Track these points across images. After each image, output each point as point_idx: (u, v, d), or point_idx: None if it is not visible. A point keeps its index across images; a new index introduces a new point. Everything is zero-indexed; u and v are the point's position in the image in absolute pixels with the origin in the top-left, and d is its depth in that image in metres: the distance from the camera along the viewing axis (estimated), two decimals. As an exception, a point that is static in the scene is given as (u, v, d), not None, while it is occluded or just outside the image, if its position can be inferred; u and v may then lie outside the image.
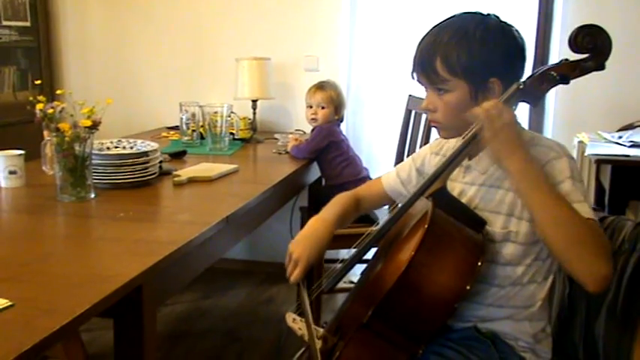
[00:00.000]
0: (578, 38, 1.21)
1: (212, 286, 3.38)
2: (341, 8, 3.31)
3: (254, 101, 3.20)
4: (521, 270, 1.32)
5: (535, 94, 1.24)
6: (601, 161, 2.40)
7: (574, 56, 1.26)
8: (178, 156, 2.62)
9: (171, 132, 3.23)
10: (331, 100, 2.78)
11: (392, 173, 1.61)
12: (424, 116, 2.72)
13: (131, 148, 2.18)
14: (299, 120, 3.35)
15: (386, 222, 1.38)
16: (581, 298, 1.53)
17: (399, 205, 1.55)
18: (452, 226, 1.25)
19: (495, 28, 1.28)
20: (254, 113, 3.22)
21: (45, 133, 2.00)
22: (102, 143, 2.17)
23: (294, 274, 1.41)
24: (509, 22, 1.32)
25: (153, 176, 2.13)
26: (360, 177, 2.71)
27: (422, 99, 1.37)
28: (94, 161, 1.97)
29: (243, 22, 3.44)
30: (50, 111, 1.82)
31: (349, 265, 1.42)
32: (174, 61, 3.59)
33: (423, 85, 1.34)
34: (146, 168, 2.11)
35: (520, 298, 1.33)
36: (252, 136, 3.14)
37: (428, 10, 3.19)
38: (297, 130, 3.30)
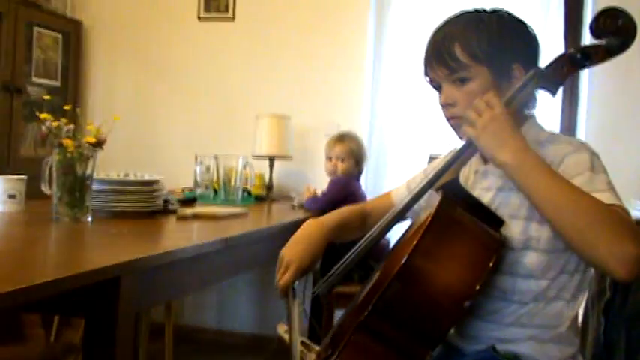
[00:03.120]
0: (599, 22, 1.13)
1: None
2: (364, 78, 3.30)
3: (271, 160, 3.14)
4: (545, 283, 1.16)
5: (554, 79, 1.15)
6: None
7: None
8: (187, 203, 2.53)
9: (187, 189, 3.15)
10: (351, 153, 2.71)
11: (402, 187, 1.50)
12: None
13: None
14: (317, 185, 3.26)
15: (388, 221, 1.25)
16: (619, 333, 1.34)
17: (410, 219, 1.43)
18: (463, 216, 1.11)
19: (509, 18, 1.23)
20: (270, 172, 3.14)
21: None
22: (108, 175, 2.10)
23: (285, 277, 1.29)
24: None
25: (156, 208, 2.04)
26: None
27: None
28: (95, 187, 1.89)
29: (266, 83, 3.45)
30: (55, 124, 1.76)
31: (346, 267, 1.28)
32: (198, 123, 3.58)
33: (437, 81, 1.24)
34: (150, 198, 2.02)
35: (545, 316, 1.17)
36: (267, 195, 3.05)
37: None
38: (315, 194, 3.21)
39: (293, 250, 1.31)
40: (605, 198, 1.04)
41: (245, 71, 3.50)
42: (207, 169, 2.90)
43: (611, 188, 1.08)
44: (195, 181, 2.89)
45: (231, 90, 3.53)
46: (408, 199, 1.23)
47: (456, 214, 1.11)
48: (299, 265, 1.29)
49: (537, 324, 1.16)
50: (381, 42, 3.24)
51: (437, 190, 1.16)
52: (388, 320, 1.04)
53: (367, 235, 1.31)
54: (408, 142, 3.22)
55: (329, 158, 2.76)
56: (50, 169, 1.89)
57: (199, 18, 3.59)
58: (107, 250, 1.34)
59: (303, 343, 1.21)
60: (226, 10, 3.52)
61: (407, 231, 1.29)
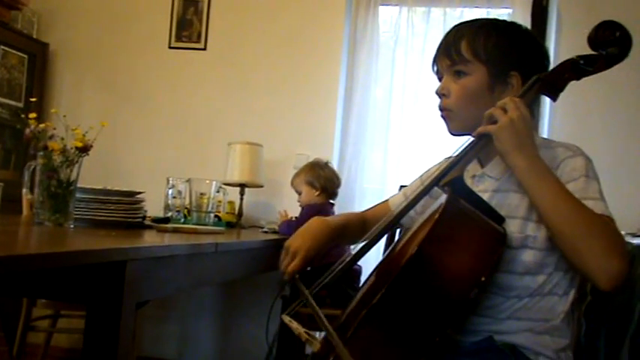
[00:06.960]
0: (599, 33, 1.23)
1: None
2: (336, 109, 3.36)
3: (242, 187, 3.14)
4: (542, 279, 1.22)
5: (556, 84, 1.23)
6: None
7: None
8: (161, 222, 2.50)
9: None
10: (302, 183, 2.81)
11: (399, 195, 1.55)
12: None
13: (117, 191, 2.09)
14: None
15: (394, 216, 1.30)
16: (599, 334, 1.41)
17: (404, 227, 1.48)
18: (471, 210, 1.17)
19: (526, 30, 1.32)
20: (241, 199, 3.15)
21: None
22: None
23: (292, 264, 1.31)
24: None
25: (136, 220, 2.02)
26: (346, 259, 2.61)
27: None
28: (77, 196, 1.87)
29: (237, 112, 3.47)
30: (42, 125, 1.75)
31: (355, 258, 1.31)
32: (167, 150, 3.55)
33: (440, 73, 1.32)
34: (131, 210, 2.00)
35: (539, 310, 1.23)
36: (237, 222, 3.06)
37: (420, 119, 3.25)
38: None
39: (299, 242, 1.35)
40: (598, 208, 1.13)
41: (216, 100, 3.52)
42: (179, 193, 2.89)
43: (603, 197, 1.17)
44: (167, 205, 2.86)
45: (202, 118, 3.54)
46: (406, 202, 1.28)
47: (464, 207, 1.16)
48: (306, 255, 1.33)
49: (532, 317, 1.22)
50: (354, 73, 3.32)
51: (442, 186, 1.22)
52: (396, 308, 1.07)
53: (366, 236, 1.35)
54: (377, 173, 3.29)
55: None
56: (32, 173, 1.86)
57: (170, 47, 3.62)
58: (109, 241, 1.33)
59: (307, 332, 1.22)
60: (198, 39, 3.57)
61: (400, 238, 1.34)
